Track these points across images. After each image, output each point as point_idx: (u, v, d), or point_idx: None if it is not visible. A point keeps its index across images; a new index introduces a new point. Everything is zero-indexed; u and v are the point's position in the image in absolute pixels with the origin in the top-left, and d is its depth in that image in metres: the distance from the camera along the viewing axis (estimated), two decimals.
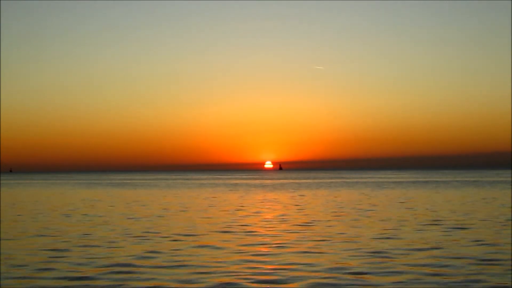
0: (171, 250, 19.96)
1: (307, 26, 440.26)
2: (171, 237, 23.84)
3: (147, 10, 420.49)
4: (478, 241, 21.79)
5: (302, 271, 15.76)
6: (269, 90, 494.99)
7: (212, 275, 15.37)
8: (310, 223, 29.24)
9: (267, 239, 22.77)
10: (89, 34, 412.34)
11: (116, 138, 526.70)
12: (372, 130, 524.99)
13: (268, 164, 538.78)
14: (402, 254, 18.54)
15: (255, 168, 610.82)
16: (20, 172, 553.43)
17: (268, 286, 13.98)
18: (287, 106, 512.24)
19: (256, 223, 29.41)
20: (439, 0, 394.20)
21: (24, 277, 15.27)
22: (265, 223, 29.69)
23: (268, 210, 38.59)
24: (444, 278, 14.75)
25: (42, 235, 24.84)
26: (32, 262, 17.68)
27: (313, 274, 15.38)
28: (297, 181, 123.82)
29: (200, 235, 24.46)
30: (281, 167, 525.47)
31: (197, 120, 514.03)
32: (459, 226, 27.09)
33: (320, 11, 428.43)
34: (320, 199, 50.78)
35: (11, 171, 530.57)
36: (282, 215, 34.64)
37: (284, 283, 14.28)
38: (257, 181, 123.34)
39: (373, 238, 22.75)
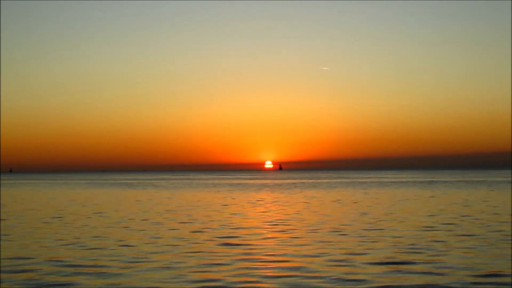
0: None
1: (308, 26, 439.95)
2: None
3: (147, 10, 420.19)
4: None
5: None
6: (269, 90, 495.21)
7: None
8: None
9: None
10: (89, 34, 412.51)
11: (116, 138, 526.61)
12: (372, 130, 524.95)
13: (268, 164, 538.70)
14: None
15: (255, 168, 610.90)
16: (20, 172, 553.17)
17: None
18: (287, 106, 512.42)
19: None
20: (440, 0, 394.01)
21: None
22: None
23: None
24: None
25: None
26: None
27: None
28: (327, 181, 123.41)
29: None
30: (281, 167, 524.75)
31: (197, 120, 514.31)
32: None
33: (322, 11, 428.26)
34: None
35: (11, 171, 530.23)
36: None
37: None
38: (285, 181, 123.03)
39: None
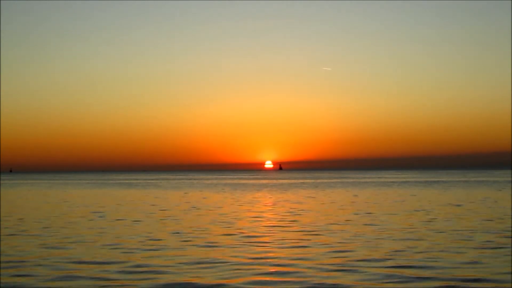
0: None
1: (308, 26, 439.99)
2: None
3: (147, 10, 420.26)
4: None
5: None
6: (269, 90, 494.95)
7: None
8: None
9: None
10: (89, 34, 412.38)
11: (116, 138, 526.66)
12: (372, 130, 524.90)
13: (268, 164, 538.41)
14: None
15: (255, 168, 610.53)
16: (20, 172, 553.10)
17: None
18: (287, 106, 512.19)
19: None
20: (440, 0, 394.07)
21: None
22: None
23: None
24: None
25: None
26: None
27: None
28: (327, 181, 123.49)
29: None
30: (281, 167, 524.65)
31: (197, 120, 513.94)
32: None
33: (322, 11, 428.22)
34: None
35: (11, 171, 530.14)
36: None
37: None
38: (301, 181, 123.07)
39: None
